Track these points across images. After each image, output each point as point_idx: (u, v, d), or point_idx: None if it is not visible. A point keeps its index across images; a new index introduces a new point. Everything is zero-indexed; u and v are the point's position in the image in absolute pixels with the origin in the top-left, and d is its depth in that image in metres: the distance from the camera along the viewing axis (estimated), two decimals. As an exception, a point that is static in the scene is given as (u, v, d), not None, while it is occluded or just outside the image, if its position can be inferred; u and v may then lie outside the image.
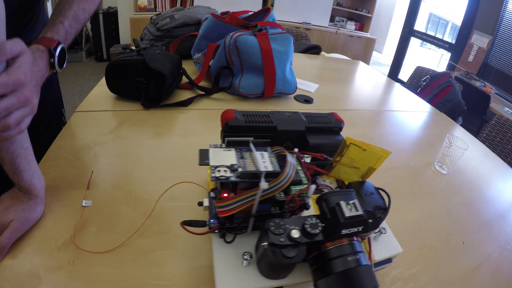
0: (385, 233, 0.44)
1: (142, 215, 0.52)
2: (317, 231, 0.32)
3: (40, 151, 0.63)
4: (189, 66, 1.08)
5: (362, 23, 4.08)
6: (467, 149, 0.75)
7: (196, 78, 1.02)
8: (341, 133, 0.52)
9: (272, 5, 3.64)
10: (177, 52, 1.18)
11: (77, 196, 0.54)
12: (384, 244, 0.43)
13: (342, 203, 0.32)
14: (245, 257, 0.37)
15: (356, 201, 0.33)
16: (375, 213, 0.36)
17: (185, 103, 0.89)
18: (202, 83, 1.02)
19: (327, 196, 0.34)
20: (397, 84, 1.38)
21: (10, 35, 0.41)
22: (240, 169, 0.36)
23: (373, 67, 1.47)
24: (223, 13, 1.08)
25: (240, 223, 0.38)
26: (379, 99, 1.20)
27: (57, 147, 0.67)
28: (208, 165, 0.37)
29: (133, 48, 0.94)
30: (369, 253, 0.38)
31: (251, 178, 0.35)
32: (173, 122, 0.84)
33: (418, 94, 1.81)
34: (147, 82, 0.87)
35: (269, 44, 0.89)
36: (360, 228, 0.32)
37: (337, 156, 0.44)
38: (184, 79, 0.99)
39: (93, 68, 3.69)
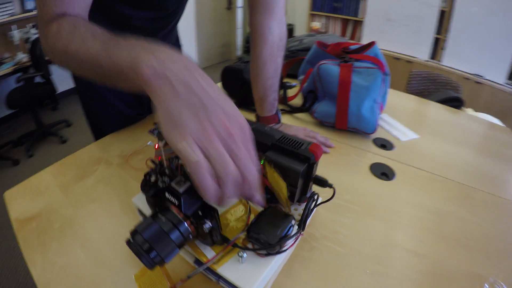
0: (241, 256, 0.41)
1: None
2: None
3: None
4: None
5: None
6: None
7: (292, 96, 1.11)
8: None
9: (443, 49, 3.12)
10: (291, 71, 1.30)
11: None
12: (244, 271, 0.40)
13: (177, 179, 0.39)
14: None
15: (188, 184, 0.37)
16: (207, 207, 0.38)
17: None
18: (294, 101, 1.10)
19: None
20: None
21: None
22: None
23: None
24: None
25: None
26: (482, 173, 0.88)
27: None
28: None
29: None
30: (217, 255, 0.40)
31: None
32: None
33: None
34: (242, 87, 1.04)
35: (349, 76, 0.87)
36: (176, 201, 0.37)
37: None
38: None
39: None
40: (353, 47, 1.04)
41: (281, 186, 0.44)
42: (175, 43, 1.08)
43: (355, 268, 0.53)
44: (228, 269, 0.39)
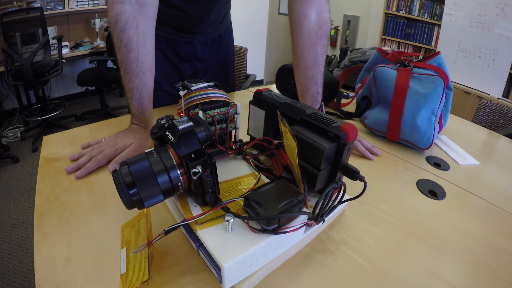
0: (227, 221, 0.33)
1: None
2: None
3: None
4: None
5: None
6: None
7: (345, 102, 1.06)
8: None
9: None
10: (350, 83, 1.23)
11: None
12: (226, 241, 0.32)
13: (182, 118, 0.36)
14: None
15: (189, 124, 0.34)
16: (203, 153, 0.34)
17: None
18: (346, 108, 1.05)
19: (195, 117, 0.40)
20: None
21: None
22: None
23: None
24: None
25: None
26: None
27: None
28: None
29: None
30: (202, 214, 0.34)
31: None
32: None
33: None
34: (293, 86, 1.00)
35: (406, 81, 0.77)
36: (172, 138, 0.34)
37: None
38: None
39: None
40: (416, 59, 0.94)
41: (292, 150, 0.37)
42: (227, 31, 1.09)
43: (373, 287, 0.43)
44: (209, 234, 0.33)
